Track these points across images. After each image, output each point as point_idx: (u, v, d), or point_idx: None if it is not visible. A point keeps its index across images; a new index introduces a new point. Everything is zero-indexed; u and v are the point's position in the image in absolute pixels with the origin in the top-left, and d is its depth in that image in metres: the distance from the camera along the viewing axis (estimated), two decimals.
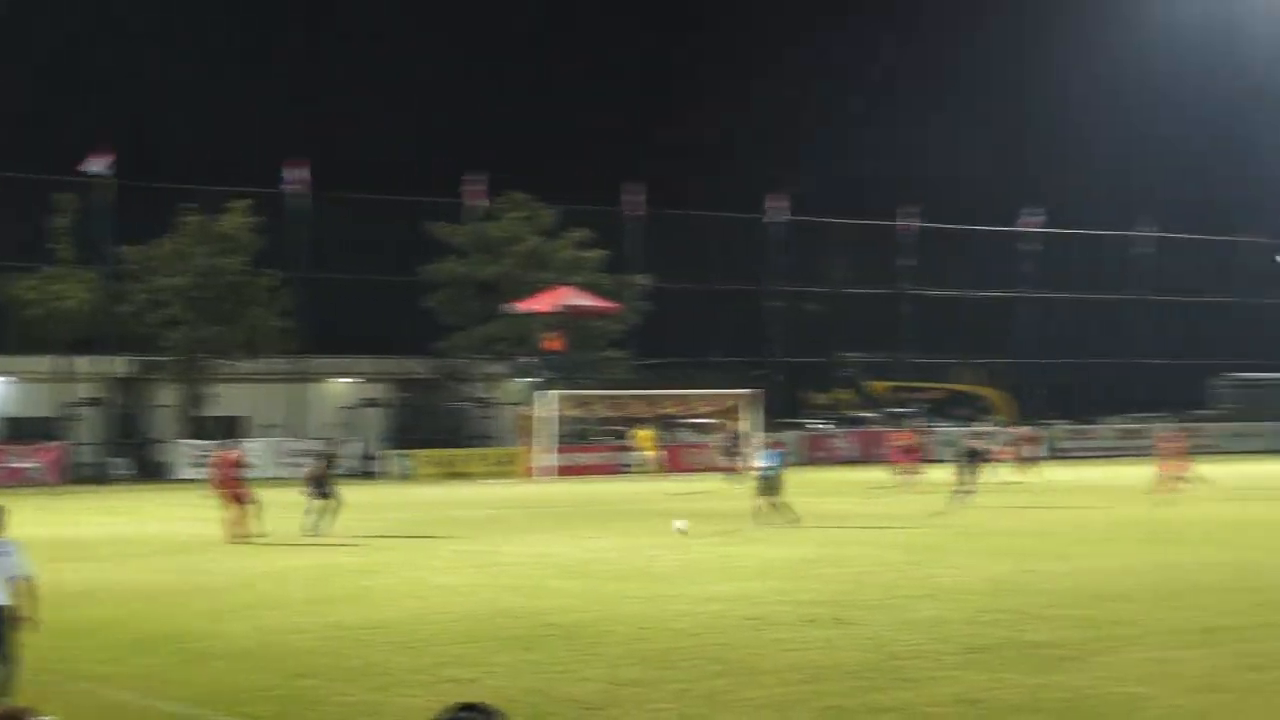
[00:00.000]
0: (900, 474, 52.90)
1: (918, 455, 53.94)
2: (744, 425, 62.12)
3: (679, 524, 35.90)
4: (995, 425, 78.51)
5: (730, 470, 55.25)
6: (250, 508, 36.01)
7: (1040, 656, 18.77)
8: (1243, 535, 34.57)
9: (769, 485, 37.93)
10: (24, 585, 15.56)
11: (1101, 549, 32.08)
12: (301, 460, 47.56)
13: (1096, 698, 16.38)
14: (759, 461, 38.98)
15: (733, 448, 59.56)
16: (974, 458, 44.60)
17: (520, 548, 33.45)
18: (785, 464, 39.87)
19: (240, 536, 35.11)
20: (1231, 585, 25.57)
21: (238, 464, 37.29)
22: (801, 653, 19.20)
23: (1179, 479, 45.88)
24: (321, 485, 37.74)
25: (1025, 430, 65.08)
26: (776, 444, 44.18)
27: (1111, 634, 20.44)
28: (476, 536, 36.53)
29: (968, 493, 42.94)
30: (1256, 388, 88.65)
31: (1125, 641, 19.84)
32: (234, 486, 36.21)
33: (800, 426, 76.32)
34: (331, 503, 37.39)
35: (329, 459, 40.03)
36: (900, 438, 56.79)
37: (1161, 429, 61.05)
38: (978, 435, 51.90)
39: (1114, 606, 23.04)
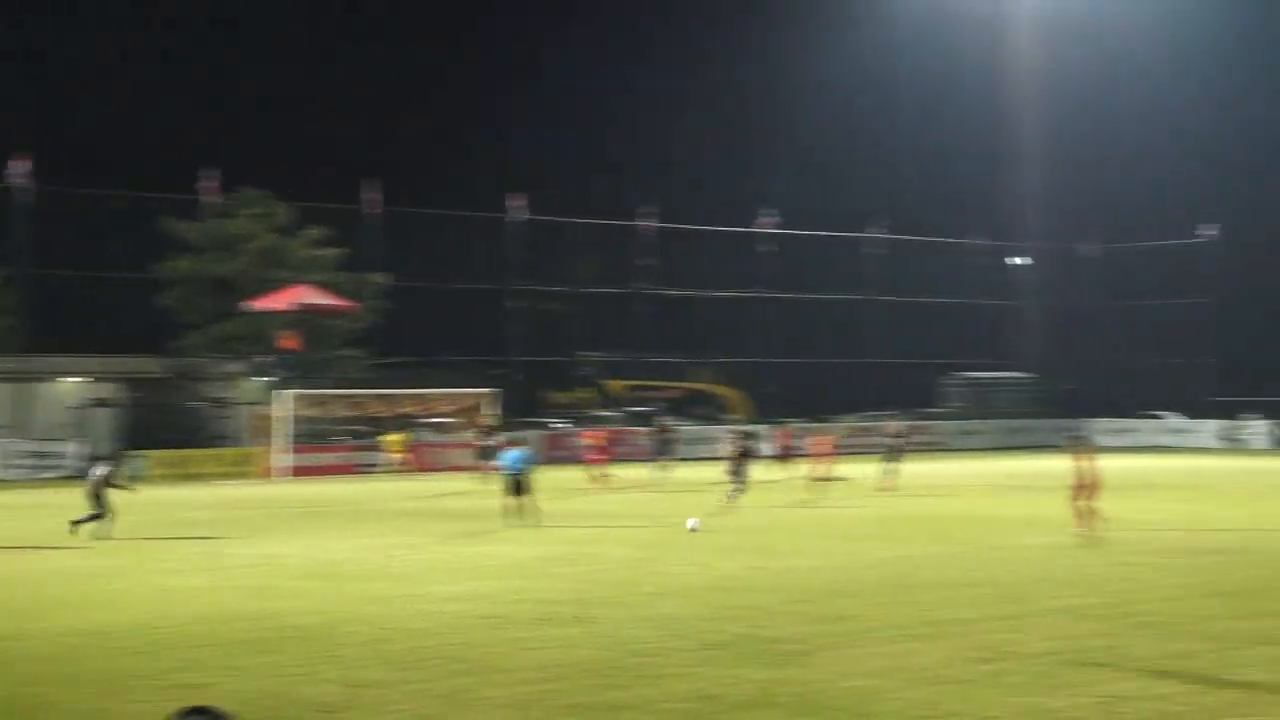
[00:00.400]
0: (594, 473, 53.15)
1: (610, 454, 54.31)
2: (493, 425, 61.98)
3: (692, 522, 36.39)
4: (735, 424, 79.62)
5: (481, 470, 54.58)
6: None
7: (774, 652, 19.11)
8: (967, 530, 35.50)
9: (517, 484, 37.89)
10: None
11: (831, 545, 32.69)
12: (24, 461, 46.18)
13: (829, 692, 16.73)
14: (505, 461, 38.90)
15: (488, 447, 59.02)
16: (743, 456, 44.81)
17: (257, 549, 32.99)
18: (533, 463, 39.88)
19: None
20: (958, 579, 26.31)
21: None
22: (541, 651, 19.28)
23: (823, 479, 46.75)
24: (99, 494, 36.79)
25: (786, 429, 65.81)
26: (524, 443, 44.02)
27: (842, 629, 20.90)
28: (212, 538, 35.94)
29: (739, 491, 42.91)
30: (983, 387, 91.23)
31: (856, 636, 20.30)
32: None
33: (543, 425, 76.41)
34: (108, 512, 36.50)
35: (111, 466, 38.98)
36: (592, 437, 56.99)
37: (811, 431, 62.17)
38: (749, 435, 51.99)
39: (844, 602, 23.56)
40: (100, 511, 36.46)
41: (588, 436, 50.87)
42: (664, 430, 57.50)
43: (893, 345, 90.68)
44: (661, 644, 19.69)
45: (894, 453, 52.34)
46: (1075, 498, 33.56)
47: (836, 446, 52.27)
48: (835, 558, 30.16)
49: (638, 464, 59.27)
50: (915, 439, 61.63)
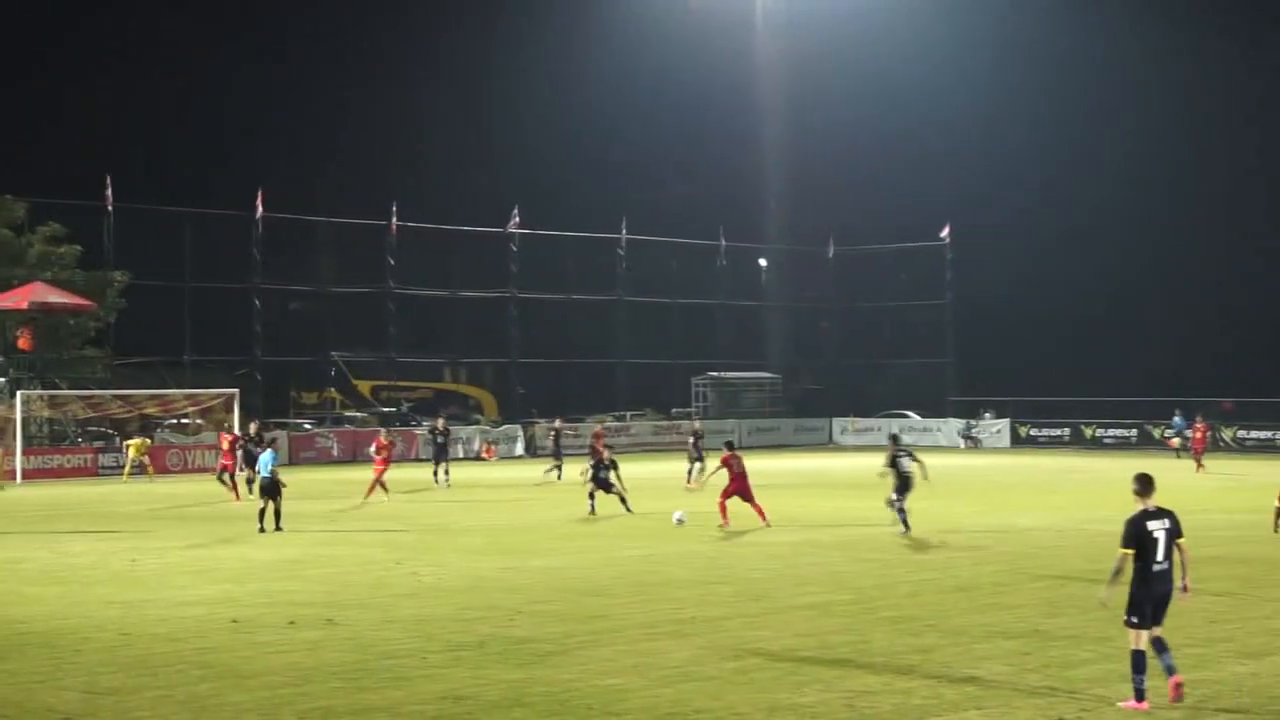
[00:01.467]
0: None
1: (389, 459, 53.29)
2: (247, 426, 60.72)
3: (678, 514, 36.57)
4: (487, 424, 79.62)
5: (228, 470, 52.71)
6: None
7: (523, 652, 19.12)
8: (715, 528, 35.80)
9: (267, 486, 37.18)
10: None
11: (584, 544, 32.81)
12: None
13: (579, 691, 16.78)
14: (259, 463, 38.18)
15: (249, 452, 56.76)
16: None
17: None
18: (277, 464, 39.24)
19: None
20: (707, 578, 26.58)
21: None
22: (287, 655, 19.04)
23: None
24: None
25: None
26: (273, 445, 43.13)
27: (592, 628, 20.98)
28: None
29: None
30: (732, 386, 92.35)
31: (605, 635, 20.40)
32: None
33: (297, 427, 75.40)
34: None
35: None
36: (379, 443, 55.15)
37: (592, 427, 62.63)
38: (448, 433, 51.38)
39: (595, 601, 23.66)
40: None
41: (377, 442, 47.89)
42: (444, 432, 56.27)
43: (643, 346, 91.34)
44: (411, 646, 19.59)
45: (697, 452, 52.07)
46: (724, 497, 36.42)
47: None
48: (587, 556, 30.26)
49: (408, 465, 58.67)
50: (667, 439, 62.12)
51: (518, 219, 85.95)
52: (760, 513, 36.25)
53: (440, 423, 57.08)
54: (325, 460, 68.94)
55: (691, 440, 54.25)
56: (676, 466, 55.14)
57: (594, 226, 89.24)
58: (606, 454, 41.23)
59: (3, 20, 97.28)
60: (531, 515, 40.69)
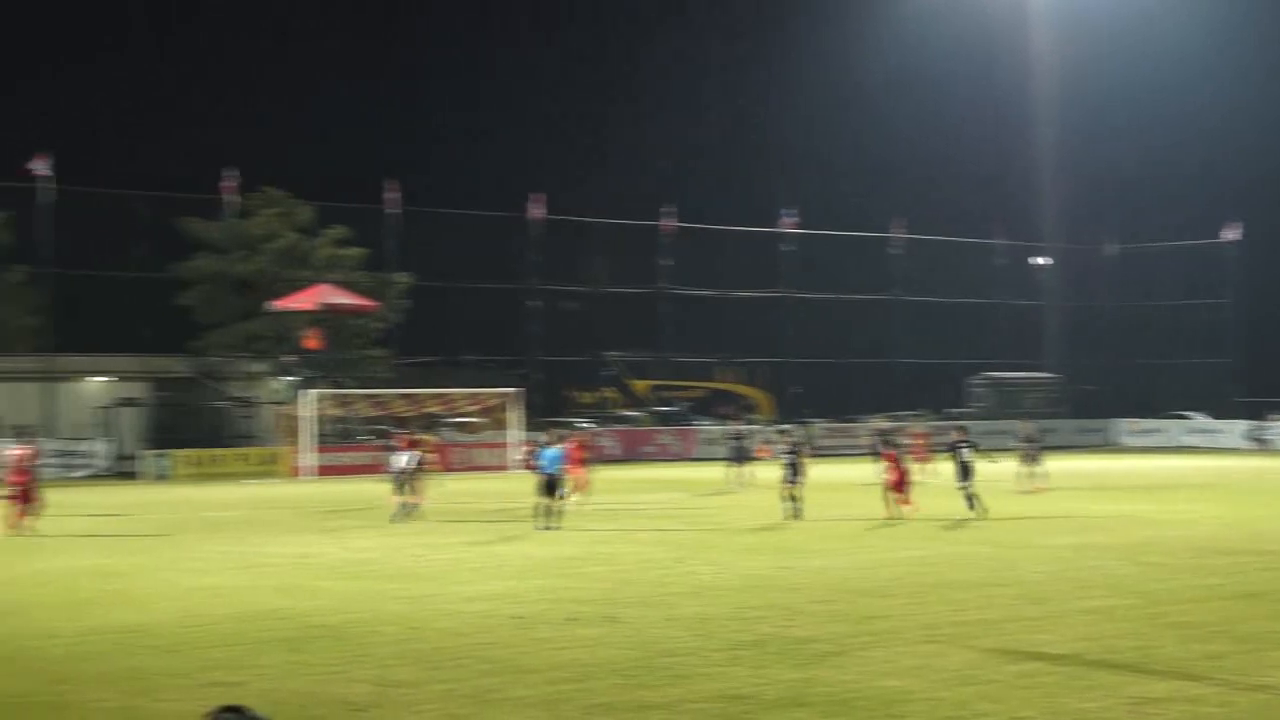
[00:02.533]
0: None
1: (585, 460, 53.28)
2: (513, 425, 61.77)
3: None
4: (761, 424, 79.63)
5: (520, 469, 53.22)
6: (36, 504, 37.12)
7: (803, 652, 19.04)
8: (993, 530, 35.37)
9: (550, 484, 37.61)
10: None
11: (858, 544, 32.64)
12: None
13: (859, 692, 16.67)
14: (541, 460, 38.63)
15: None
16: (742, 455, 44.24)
17: (285, 548, 33.05)
18: (564, 464, 39.73)
19: (19, 530, 36.23)
20: (985, 580, 26.22)
21: (31, 459, 37.92)
22: (568, 651, 19.24)
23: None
24: None
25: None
26: (558, 443, 43.23)
27: (871, 629, 20.83)
28: (239, 537, 36.03)
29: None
30: (1010, 387, 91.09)
31: (884, 636, 20.23)
32: (24, 482, 37.07)
33: (569, 425, 76.28)
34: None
35: None
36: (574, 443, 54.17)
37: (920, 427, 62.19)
38: (744, 434, 51.25)
39: (873, 602, 23.49)
40: None
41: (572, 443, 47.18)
42: (739, 436, 55.67)
43: (921, 345, 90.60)
44: (691, 644, 19.64)
45: (1031, 454, 51.22)
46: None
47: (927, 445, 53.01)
48: (862, 557, 30.09)
49: (663, 464, 59.00)
50: (937, 440, 61.10)
51: (790, 218, 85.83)
52: (901, 504, 38.62)
53: (742, 426, 56.81)
54: (601, 458, 69.47)
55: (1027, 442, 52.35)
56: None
57: (869, 225, 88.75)
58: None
59: (295, 33, 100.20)
60: (808, 514, 40.53)
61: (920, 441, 56.46)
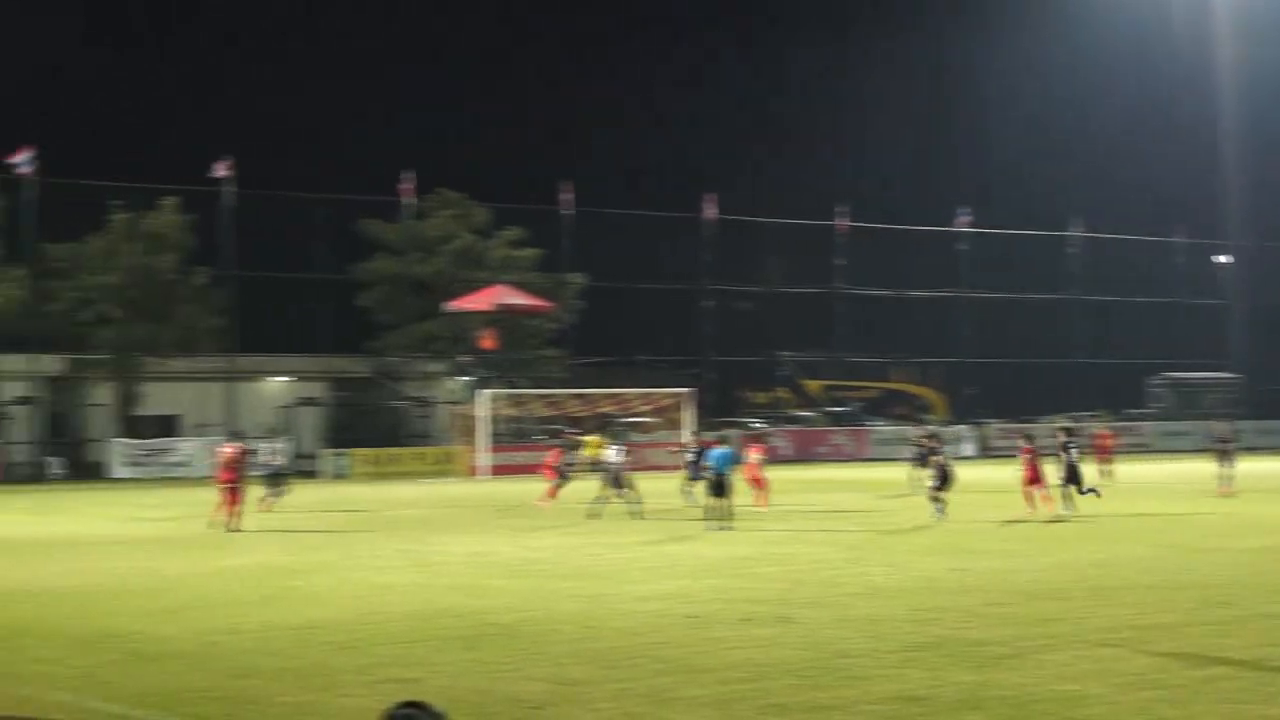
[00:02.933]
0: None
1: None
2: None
3: None
4: (937, 424, 78.97)
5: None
6: (241, 503, 38.62)
7: (979, 654, 18.84)
8: (1173, 532, 34.81)
9: (720, 484, 37.62)
10: None
11: (1033, 546, 32.25)
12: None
13: (1037, 695, 16.46)
14: (710, 460, 38.67)
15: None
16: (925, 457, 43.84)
17: (461, 547, 33.41)
18: (735, 464, 39.72)
19: (227, 527, 37.69)
20: (1164, 582, 25.77)
21: (239, 458, 39.40)
22: (742, 651, 19.21)
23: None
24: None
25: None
26: (727, 443, 43.32)
27: (1048, 631, 20.55)
28: (417, 536, 36.46)
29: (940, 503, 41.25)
30: (1190, 387, 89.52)
31: (1062, 639, 19.95)
32: (233, 480, 38.53)
33: (742, 425, 76.30)
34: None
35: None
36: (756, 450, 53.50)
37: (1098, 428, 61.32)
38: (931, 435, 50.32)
39: (1049, 604, 23.18)
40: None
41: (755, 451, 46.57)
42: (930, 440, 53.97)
43: (1096, 345, 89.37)
44: (865, 645, 19.52)
45: (1226, 455, 50.24)
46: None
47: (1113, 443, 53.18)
48: (1038, 559, 29.72)
49: (837, 465, 58.73)
50: (1120, 441, 60.58)
51: (966, 216, 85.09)
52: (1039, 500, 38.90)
53: (927, 434, 55.60)
54: (774, 459, 69.37)
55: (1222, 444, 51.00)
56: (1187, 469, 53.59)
57: (1046, 224, 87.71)
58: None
59: (470, 38, 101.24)
60: (980, 515, 40.17)
61: (1105, 441, 55.89)
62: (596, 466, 43.98)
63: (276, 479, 44.82)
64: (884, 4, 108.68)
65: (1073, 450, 39.97)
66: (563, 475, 46.88)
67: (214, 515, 38.54)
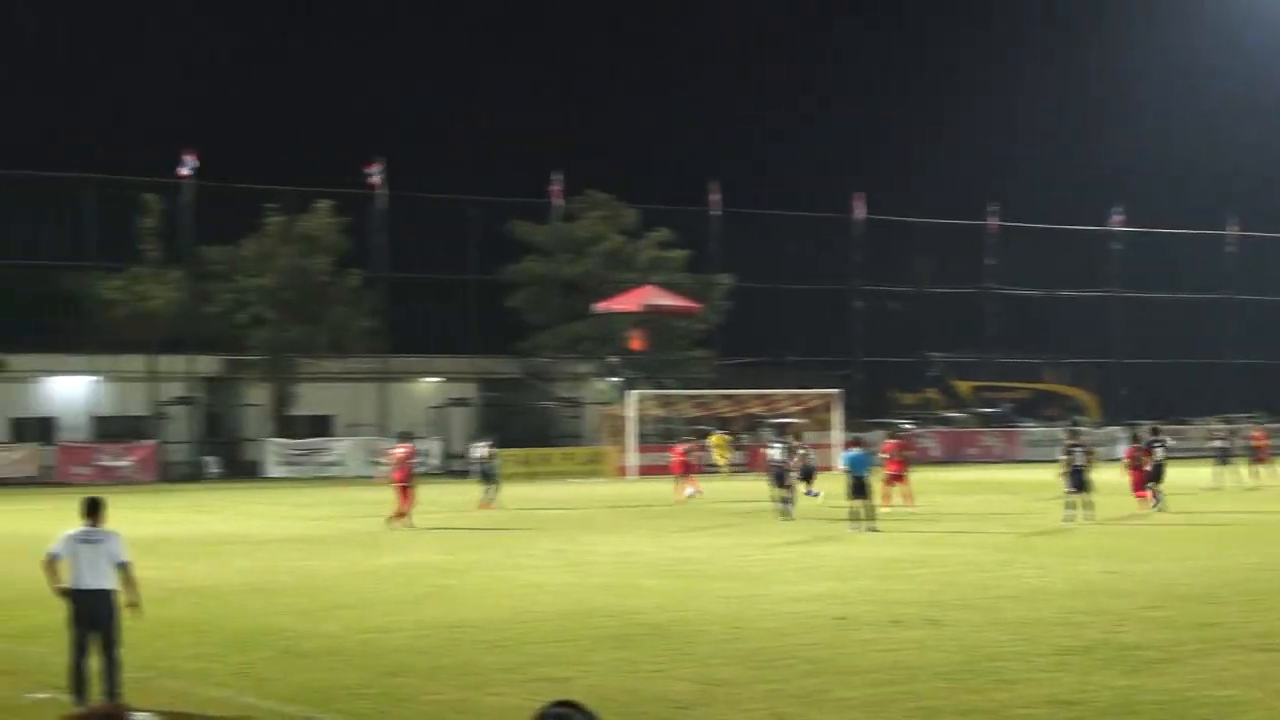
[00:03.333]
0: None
1: (696, 467, 53.00)
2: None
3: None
4: (1088, 425, 78.04)
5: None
6: (413, 501, 39.53)
7: (1132, 658, 18.62)
8: None
9: (859, 486, 37.39)
10: (124, 572, 16.16)
11: (1189, 549, 31.83)
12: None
13: (1192, 701, 16.24)
14: (847, 462, 38.41)
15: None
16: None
17: (612, 547, 33.59)
18: (872, 465, 39.47)
19: (401, 524, 38.70)
20: None
21: (410, 458, 40.28)
22: (891, 653, 19.14)
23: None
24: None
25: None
26: (865, 444, 42.66)
27: (1203, 636, 20.25)
28: (567, 536, 36.69)
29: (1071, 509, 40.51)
30: None
31: (1217, 644, 19.65)
32: (405, 479, 39.45)
33: (893, 427, 75.77)
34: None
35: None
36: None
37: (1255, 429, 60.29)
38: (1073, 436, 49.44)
39: (1205, 608, 22.85)
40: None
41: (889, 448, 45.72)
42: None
43: (1253, 346, 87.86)
44: (1016, 648, 19.36)
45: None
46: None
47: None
48: (1193, 562, 29.31)
49: (987, 466, 58.23)
50: (1275, 442, 59.48)
51: (1119, 215, 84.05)
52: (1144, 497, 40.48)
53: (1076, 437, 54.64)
54: (924, 460, 69.01)
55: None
56: None
57: (1201, 222, 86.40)
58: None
59: (619, 39, 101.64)
60: (1134, 519, 39.68)
61: (1261, 443, 55.16)
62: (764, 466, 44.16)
63: (488, 478, 46.72)
64: (1036, 2, 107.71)
65: (1158, 450, 40.88)
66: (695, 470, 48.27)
67: (393, 515, 39.24)
